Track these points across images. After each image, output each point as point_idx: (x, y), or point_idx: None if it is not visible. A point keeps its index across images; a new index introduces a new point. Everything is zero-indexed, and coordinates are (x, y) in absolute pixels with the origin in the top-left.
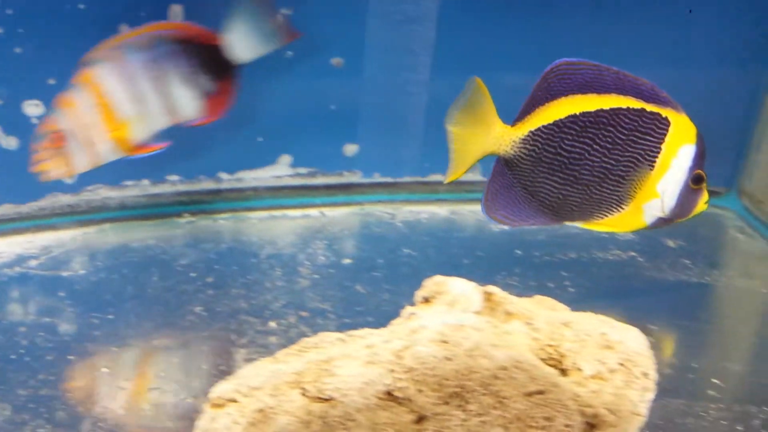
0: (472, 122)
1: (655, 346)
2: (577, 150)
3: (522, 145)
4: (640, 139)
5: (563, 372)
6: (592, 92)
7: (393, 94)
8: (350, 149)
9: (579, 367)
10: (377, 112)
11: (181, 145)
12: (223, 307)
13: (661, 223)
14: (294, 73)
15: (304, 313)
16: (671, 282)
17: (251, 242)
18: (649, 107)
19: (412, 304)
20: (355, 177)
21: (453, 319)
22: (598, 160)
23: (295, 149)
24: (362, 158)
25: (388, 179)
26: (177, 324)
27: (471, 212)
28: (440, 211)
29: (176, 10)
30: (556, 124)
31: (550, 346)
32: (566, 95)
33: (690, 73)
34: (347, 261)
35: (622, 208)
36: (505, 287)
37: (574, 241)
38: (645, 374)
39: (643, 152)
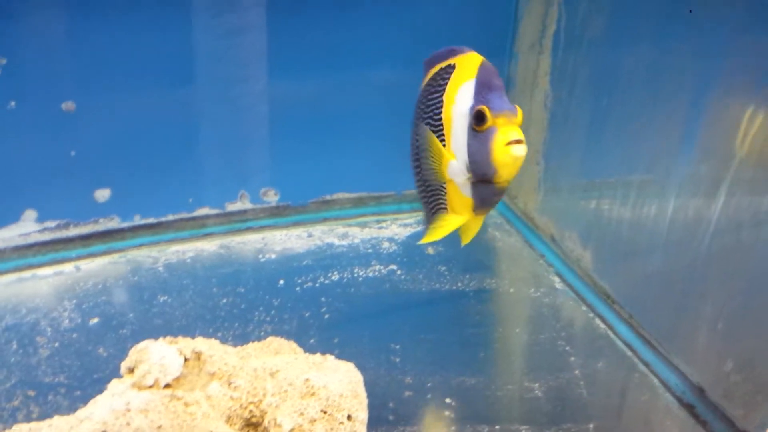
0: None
1: (395, 369)
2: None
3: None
4: (436, 93)
5: (264, 431)
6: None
7: (140, 131)
8: (102, 194)
9: (279, 423)
10: (125, 153)
11: None
12: None
13: (486, 192)
14: (21, 124)
15: (31, 393)
16: (424, 293)
17: None
18: (449, 61)
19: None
20: (112, 223)
21: (120, 403)
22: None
23: (40, 203)
24: (117, 202)
25: (150, 220)
26: None
27: (240, 243)
28: (208, 246)
29: None
30: None
31: (252, 403)
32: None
33: None
34: (94, 321)
35: (441, 179)
36: (260, 325)
37: (338, 261)
38: (350, 417)
39: (436, 107)
